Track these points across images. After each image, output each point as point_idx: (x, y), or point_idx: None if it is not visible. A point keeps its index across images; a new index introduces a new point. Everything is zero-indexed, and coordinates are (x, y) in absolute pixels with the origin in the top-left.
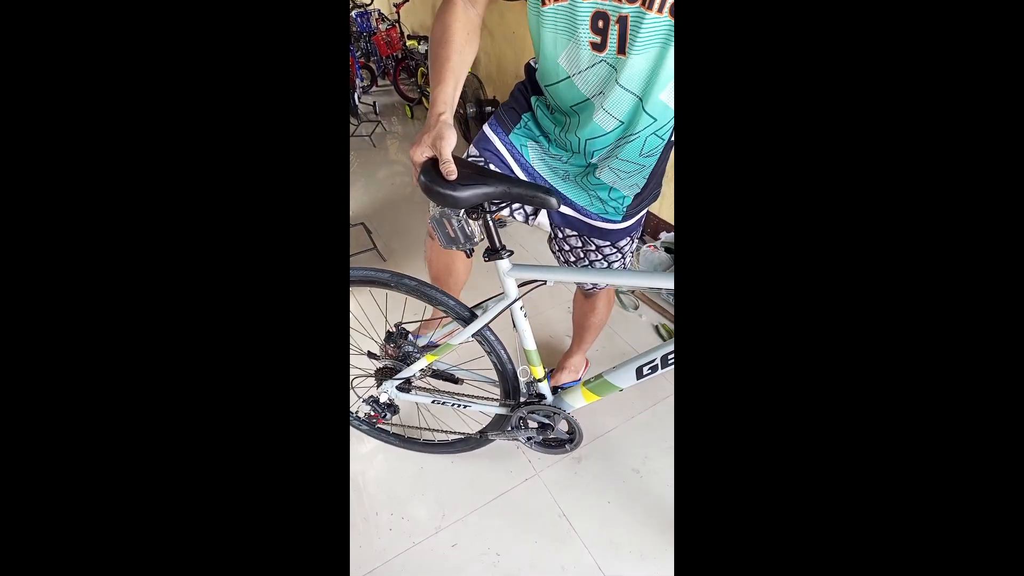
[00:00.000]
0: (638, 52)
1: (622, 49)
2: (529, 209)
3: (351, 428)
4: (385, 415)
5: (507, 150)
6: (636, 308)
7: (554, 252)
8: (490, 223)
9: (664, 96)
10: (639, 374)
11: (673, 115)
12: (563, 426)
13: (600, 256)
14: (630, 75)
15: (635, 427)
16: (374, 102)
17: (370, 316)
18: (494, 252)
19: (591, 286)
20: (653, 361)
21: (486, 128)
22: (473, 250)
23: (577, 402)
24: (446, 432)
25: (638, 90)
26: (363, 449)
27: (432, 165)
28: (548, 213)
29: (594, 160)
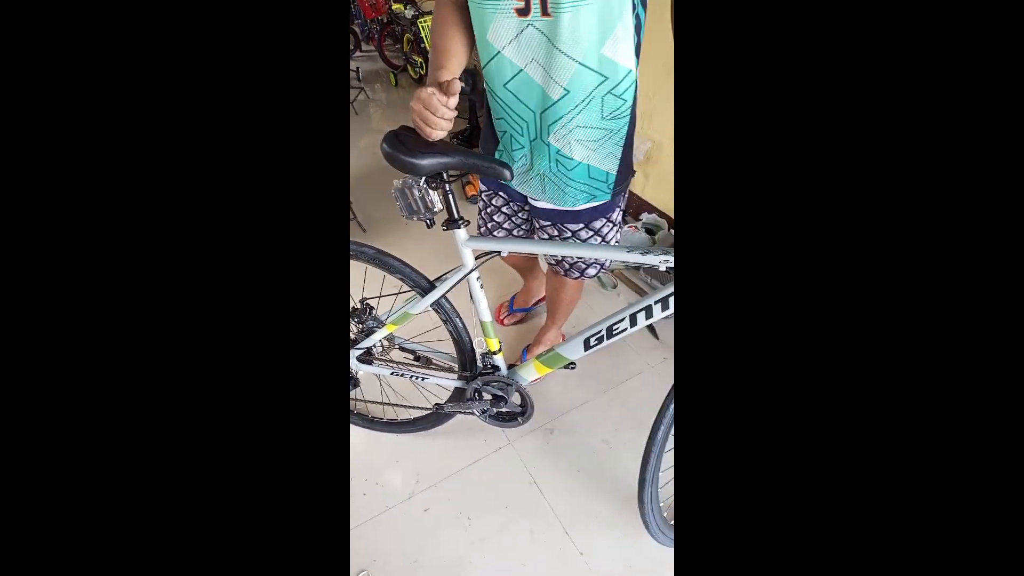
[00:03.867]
0: (564, 10)
1: (545, 10)
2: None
3: None
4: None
5: (503, 194)
6: (615, 287)
7: (486, 230)
8: (449, 193)
9: (608, 51)
10: (587, 345)
11: (629, 72)
12: (516, 399)
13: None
14: (563, 36)
15: (607, 401)
16: (357, 68)
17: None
18: (452, 222)
19: (555, 261)
20: (599, 332)
21: (481, 186)
22: (433, 221)
23: (530, 375)
24: (408, 408)
25: (575, 52)
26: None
27: (394, 135)
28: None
29: (553, 139)
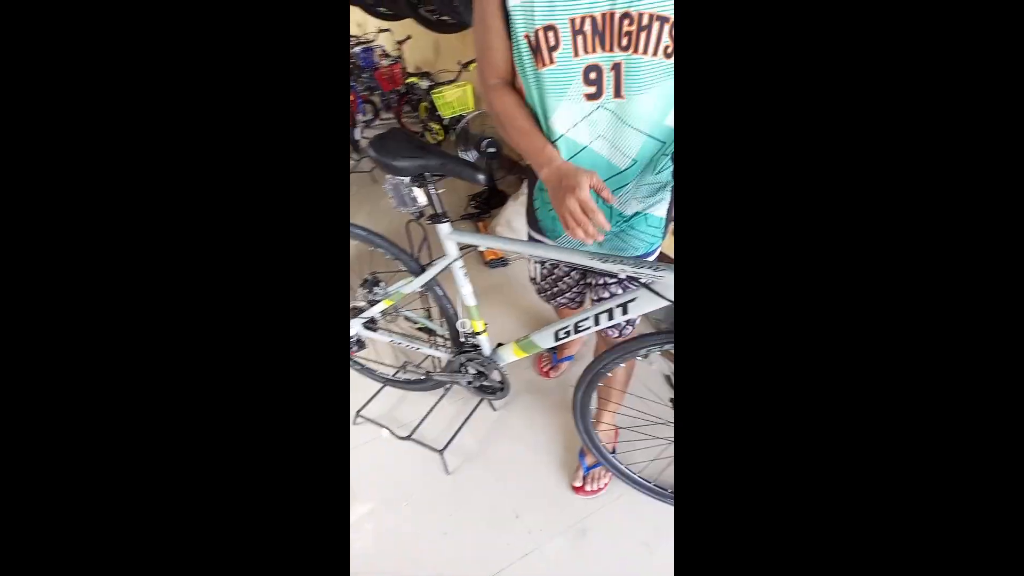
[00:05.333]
0: (637, 92)
1: (619, 93)
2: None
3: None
4: (351, 348)
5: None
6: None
7: (547, 295)
8: (431, 191)
9: (669, 121)
10: (556, 337)
11: None
12: (496, 376)
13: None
14: (633, 114)
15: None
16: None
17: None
18: (435, 217)
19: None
20: (567, 327)
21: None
22: (422, 214)
23: (509, 356)
24: (404, 370)
25: (644, 126)
26: (353, 516)
27: (380, 139)
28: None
29: (616, 203)
